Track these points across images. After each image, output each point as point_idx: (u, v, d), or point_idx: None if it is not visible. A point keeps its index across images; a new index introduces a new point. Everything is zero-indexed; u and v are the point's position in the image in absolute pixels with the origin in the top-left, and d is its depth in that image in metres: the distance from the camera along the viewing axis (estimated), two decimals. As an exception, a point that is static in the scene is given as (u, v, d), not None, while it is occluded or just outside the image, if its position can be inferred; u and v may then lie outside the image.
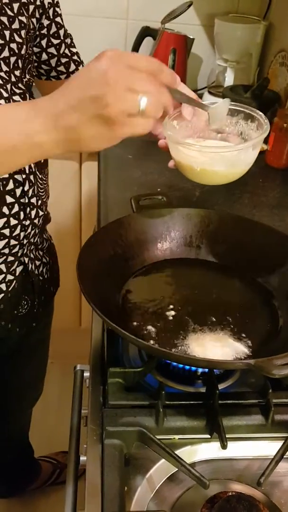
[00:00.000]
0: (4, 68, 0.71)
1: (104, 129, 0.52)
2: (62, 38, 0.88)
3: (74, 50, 0.92)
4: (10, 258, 0.81)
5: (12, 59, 0.73)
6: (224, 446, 0.59)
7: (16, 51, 0.73)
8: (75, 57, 0.92)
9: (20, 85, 0.75)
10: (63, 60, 0.90)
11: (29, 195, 0.78)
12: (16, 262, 0.82)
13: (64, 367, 1.55)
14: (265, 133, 0.71)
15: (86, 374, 0.78)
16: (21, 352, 1.03)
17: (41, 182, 0.83)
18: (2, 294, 0.82)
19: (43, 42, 0.86)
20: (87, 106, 0.51)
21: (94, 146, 0.54)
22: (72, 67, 0.92)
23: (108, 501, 0.54)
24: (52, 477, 1.48)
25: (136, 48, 1.62)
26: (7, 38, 0.71)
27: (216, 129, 0.77)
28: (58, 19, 0.86)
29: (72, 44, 0.92)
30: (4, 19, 0.71)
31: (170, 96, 0.57)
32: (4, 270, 0.81)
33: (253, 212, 1.08)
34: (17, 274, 0.84)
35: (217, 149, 0.74)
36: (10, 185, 0.74)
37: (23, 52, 0.75)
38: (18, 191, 0.76)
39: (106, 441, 0.60)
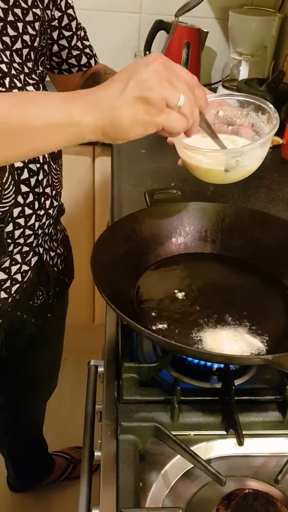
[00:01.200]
0: (17, 59, 0.71)
1: (143, 111, 0.54)
2: (74, 30, 0.87)
3: (86, 43, 0.91)
4: (25, 248, 0.81)
5: (25, 51, 0.73)
6: (240, 443, 0.58)
7: (29, 43, 0.73)
8: (87, 50, 0.91)
9: (33, 76, 0.74)
10: (74, 52, 0.89)
11: (44, 184, 0.78)
12: (31, 253, 0.83)
13: (78, 363, 1.56)
14: (274, 130, 0.68)
15: (100, 369, 0.78)
16: (36, 343, 1.03)
17: (55, 172, 0.83)
18: (18, 285, 0.83)
19: (54, 34, 0.85)
20: (132, 87, 0.53)
21: (129, 131, 0.55)
22: (84, 60, 0.91)
23: (123, 497, 0.53)
24: (66, 472, 1.49)
25: (149, 42, 1.61)
26: (20, 30, 0.71)
27: (226, 120, 0.76)
28: (70, 11, 0.85)
29: (85, 37, 0.91)
30: (18, 11, 0.71)
31: (198, 113, 0.60)
32: (20, 260, 0.81)
33: (268, 207, 1.07)
34: (32, 264, 0.84)
35: (221, 152, 0.71)
36: (25, 174, 0.74)
37: (36, 44, 0.74)
38: (33, 181, 0.76)
39: (121, 436, 0.60)
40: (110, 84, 0.55)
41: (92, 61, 0.93)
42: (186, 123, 0.57)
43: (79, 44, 0.89)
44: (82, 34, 0.90)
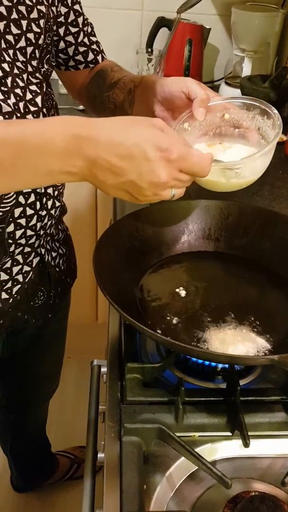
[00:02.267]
0: (21, 58, 0.70)
1: (127, 197, 0.59)
2: (80, 26, 0.85)
3: (93, 39, 0.89)
4: (27, 249, 0.80)
5: (29, 49, 0.71)
6: (246, 444, 0.57)
7: (33, 41, 0.72)
8: (94, 46, 0.89)
9: (37, 74, 0.73)
10: (81, 49, 0.88)
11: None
12: (33, 253, 0.82)
13: (81, 362, 1.55)
14: (276, 138, 0.67)
15: (103, 369, 0.77)
16: (38, 343, 1.03)
17: None
18: (19, 285, 0.82)
19: (61, 30, 0.84)
20: (125, 183, 0.56)
21: (110, 194, 0.60)
22: (91, 56, 0.89)
23: (127, 500, 0.52)
24: (69, 472, 1.48)
25: (151, 39, 1.60)
26: (24, 28, 0.70)
27: (233, 123, 0.74)
28: (76, 6, 0.84)
29: (92, 33, 0.89)
30: (23, 8, 0.69)
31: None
32: (21, 261, 0.80)
33: (272, 204, 1.05)
34: (33, 265, 0.83)
35: (218, 165, 0.68)
36: None
37: (40, 42, 0.73)
38: None
39: (124, 438, 0.59)
40: (114, 145, 0.54)
41: (99, 57, 0.91)
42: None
43: (86, 40, 0.87)
44: (89, 30, 0.88)
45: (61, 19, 0.83)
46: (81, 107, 1.48)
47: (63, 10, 0.82)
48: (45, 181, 0.59)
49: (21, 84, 0.69)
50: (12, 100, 0.67)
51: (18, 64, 0.70)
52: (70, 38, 0.86)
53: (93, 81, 0.90)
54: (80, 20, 0.85)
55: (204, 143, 0.74)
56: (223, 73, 1.71)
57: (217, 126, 0.74)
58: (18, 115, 0.68)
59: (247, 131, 0.74)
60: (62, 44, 0.86)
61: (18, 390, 1.15)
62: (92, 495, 0.61)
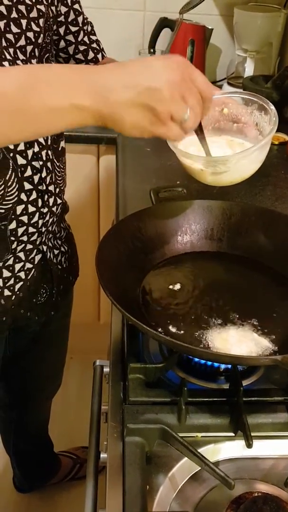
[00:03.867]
0: (21, 56, 0.70)
1: (146, 119, 0.54)
2: (80, 25, 0.86)
3: (93, 37, 0.90)
4: (29, 246, 0.80)
5: (29, 48, 0.72)
6: (249, 445, 0.57)
7: (33, 40, 0.72)
8: (94, 45, 0.90)
9: None
10: (81, 47, 0.88)
11: (47, 182, 0.77)
12: (35, 250, 0.82)
13: (83, 362, 1.55)
14: (271, 135, 0.67)
15: (106, 369, 0.77)
16: (41, 342, 1.03)
17: (58, 170, 0.82)
18: (21, 283, 0.82)
19: (61, 30, 0.85)
20: (143, 92, 0.53)
21: (126, 130, 0.56)
22: (91, 55, 0.90)
23: (130, 500, 0.52)
24: (72, 472, 1.48)
25: (154, 39, 1.60)
26: (24, 27, 0.70)
27: (231, 117, 0.75)
28: (76, 5, 0.85)
29: (92, 32, 0.90)
30: (22, 7, 0.70)
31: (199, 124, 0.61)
32: (23, 258, 0.81)
33: (275, 204, 1.05)
34: (35, 262, 0.83)
35: (219, 158, 0.71)
36: (28, 172, 0.74)
37: (40, 41, 0.73)
38: (36, 178, 0.75)
39: (127, 438, 0.59)
40: (122, 72, 0.54)
41: (100, 56, 0.92)
42: (183, 136, 0.58)
43: (86, 39, 0.88)
44: (89, 28, 0.89)
45: (61, 18, 0.83)
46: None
47: (63, 9, 0.83)
48: (55, 120, 0.55)
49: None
50: None
51: (19, 62, 0.70)
52: (70, 37, 0.86)
53: None
54: (80, 19, 0.86)
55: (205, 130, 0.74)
56: (226, 74, 1.71)
57: (216, 120, 0.75)
58: None
59: (245, 126, 0.74)
60: (62, 43, 0.87)
61: (20, 388, 1.15)
62: (94, 495, 0.60)
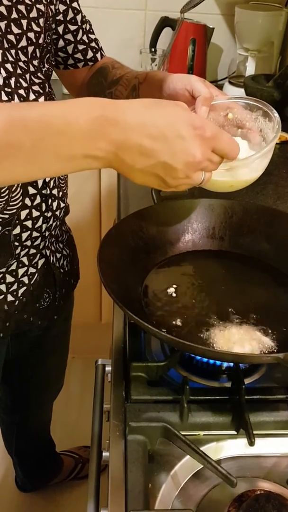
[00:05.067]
0: (23, 58, 0.70)
1: (155, 183, 0.55)
2: (79, 24, 0.85)
3: (92, 36, 0.89)
4: (32, 251, 0.80)
5: (30, 49, 0.71)
6: (251, 443, 0.57)
7: (34, 40, 0.72)
8: (93, 44, 0.89)
9: (39, 74, 0.73)
10: (80, 47, 0.88)
11: (51, 186, 0.77)
12: (38, 255, 0.82)
13: (85, 362, 1.55)
14: (273, 143, 0.66)
15: (108, 368, 0.77)
16: (43, 345, 1.03)
17: None
18: (25, 287, 0.82)
19: (60, 29, 0.84)
20: (158, 165, 0.52)
21: (136, 181, 0.56)
22: (90, 54, 0.89)
23: (132, 498, 0.52)
24: (74, 472, 1.48)
25: (155, 39, 1.60)
26: (25, 27, 0.70)
27: (236, 122, 0.74)
28: (74, 4, 0.84)
29: (91, 31, 0.89)
30: (22, 7, 0.70)
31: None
32: (26, 263, 0.80)
33: (277, 203, 1.05)
34: (39, 267, 0.83)
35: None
36: None
37: (40, 41, 0.73)
38: (40, 182, 0.75)
39: (129, 436, 0.59)
40: (145, 129, 0.51)
41: (98, 55, 0.91)
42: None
43: (84, 38, 0.87)
44: (88, 27, 0.88)
45: (60, 17, 0.82)
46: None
47: (62, 8, 0.82)
48: (67, 168, 0.54)
49: (24, 84, 0.69)
50: (16, 100, 0.67)
51: (21, 64, 0.70)
52: (69, 36, 0.86)
53: (94, 79, 0.90)
54: (78, 18, 0.85)
55: None
56: (227, 73, 1.71)
57: (220, 125, 0.74)
58: None
59: (249, 131, 0.73)
60: (61, 43, 0.86)
61: (22, 391, 1.15)
62: (96, 494, 0.60)
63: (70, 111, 0.51)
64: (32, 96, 0.70)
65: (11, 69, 0.67)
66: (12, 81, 0.67)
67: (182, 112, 0.54)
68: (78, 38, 0.87)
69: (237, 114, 0.73)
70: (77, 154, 0.51)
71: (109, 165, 0.53)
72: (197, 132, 0.53)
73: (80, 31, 0.86)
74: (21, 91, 0.69)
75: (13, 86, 0.67)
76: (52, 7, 0.78)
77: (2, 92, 0.65)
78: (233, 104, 0.74)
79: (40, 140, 0.50)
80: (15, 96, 0.67)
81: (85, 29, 0.87)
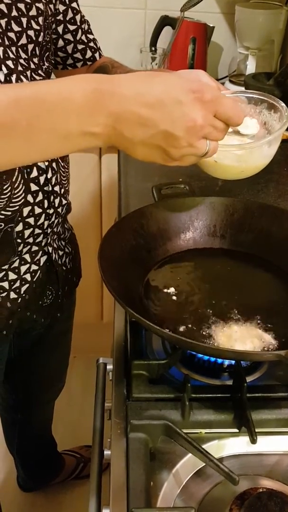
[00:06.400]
0: (23, 55, 0.70)
1: (158, 157, 0.53)
2: (78, 24, 0.86)
3: (91, 36, 0.90)
4: (35, 248, 0.80)
5: (30, 46, 0.72)
6: (253, 441, 0.57)
7: (34, 38, 0.72)
8: (91, 44, 0.90)
9: (39, 72, 0.74)
10: (80, 46, 0.88)
11: (52, 183, 0.77)
12: (40, 252, 0.82)
13: (86, 361, 1.55)
14: (283, 128, 0.67)
15: (109, 367, 0.77)
16: (45, 342, 1.03)
17: (63, 170, 0.82)
18: (27, 285, 0.82)
19: (60, 29, 0.84)
20: (158, 135, 0.50)
21: (138, 158, 0.54)
22: (88, 53, 0.90)
23: (134, 496, 0.52)
24: (75, 471, 1.48)
25: (155, 38, 1.59)
26: (24, 25, 0.70)
27: None
28: (74, 4, 0.84)
29: (89, 30, 0.90)
30: (22, 5, 0.70)
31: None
32: (29, 260, 0.80)
33: (278, 201, 1.05)
34: (41, 264, 0.83)
35: (231, 147, 0.70)
36: (34, 173, 0.73)
37: (40, 39, 0.74)
38: (42, 179, 0.75)
39: (130, 434, 0.58)
40: (142, 97, 0.49)
41: (97, 55, 0.92)
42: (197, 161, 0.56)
43: (83, 38, 0.88)
44: (86, 27, 0.89)
45: (60, 17, 0.83)
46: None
47: (61, 7, 0.83)
48: (66, 147, 0.52)
49: (25, 81, 0.70)
50: None
51: (21, 61, 0.70)
52: (68, 36, 0.86)
53: None
54: (77, 17, 0.86)
55: None
56: (227, 71, 1.70)
57: None
58: None
59: None
60: (61, 42, 0.87)
61: (24, 390, 1.15)
62: (98, 492, 0.60)
63: (65, 87, 0.50)
64: None
65: (12, 66, 0.67)
66: (13, 78, 0.67)
67: (178, 78, 0.52)
68: (78, 38, 0.87)
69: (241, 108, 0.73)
70: (74, 131, 0.49)
71: (108, 141, 0.51)
72: (196, 95, 0.50)
73: (79, 31, 0.87)
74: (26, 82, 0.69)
75: (14, 83, 0.67)
76: (51, 6, 0.79)
77: None
78: (237, 99, 0.74)
79: (35, 117, 0.48)
80: None
81: (84, 29, 0.88)
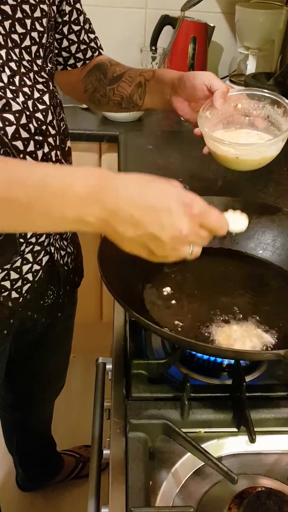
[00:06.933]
0: (26, 57, 0.70)
1: (143, 252, 0.56)
2: (82, 24, 0.87)
3: (92, 36, 0.91)
4: (37, 248, 0.80)
5: (34, 48, 0.72)
6: (252, 440, 0.57)
7: (37, 40, 0.72)
8: (92, 44, 0.91)
9: (43, 73, 0.74)
10: (82, 46, 0.89)
11: None
12: (43, 252, 0.82)
13: (86, 361, 1.55)
14: None
15: (109, 366, 0.77)
16: (46, 342, 1.03)
17: None
18: (29, 284, 0.82)
19: (65, 29, 0.85)
20: (146, 236, 0.54)
21: (126, 249, 0.57)
22: (89, 54, 0.91)
23: (133, 496, 0.52)
24: (75, 471, 1.48)
25: (155, 37, 1.59)
26: (28, 27, 0.70)
27: (244, 112, 0.82)
28: (78, 5, 0.85)
29: (91, 30, 0.90)
30: (26, 7, 0.70)
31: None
32: (31, 259, 0.80)
33: (277, 201, 1.05)
34: (43, 264, 0.83)
35: (249, 145, 0.79)
36: None
37: (44, 41, 0.74)
38: None
39: (129, 434, 0.58)
40: (136, 202, 0.53)
41: (96, 54, 0.93)
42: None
43: (86, 38, 0.89)
44: (88, 27, 0.89)
45: (66, 18, 0.84)
46: (84, 106, 1.48)
47: (67, 8, 0.83)
48: (57, 227, 0.58)
49: (28, 82, 0.70)
50: (21, 98, 0.68)
51: (24, 63, 0.70)
52: (72, 36, 0.87)
53: (91, 75, 0.92)
54: (81, 18, 0.87)
55: (221, 129, 0.83)
56: (228, 71, 1.70)
57: (230, 115, 0.82)
58: (27, 113, 0.68)
59: (256, 119, 0.81)
60: (65, 43, 0.87)
61: (24, 389, 1.14)
62: (97, 492, 0.60)
63: (70, 175, 0.54)
64: (36, 94, 0.71)
65: (15, 68, 0.68)
66: (17, 79, 0.68)
67: (173, 188, 0.56)
68: (81, 38, 0.88)
69: (245, 104, 0.81)
70: (69, 217, 0.53)
71: (99, 231, 0.55)
72: (185, 209, 0.55)
73: (83, 31, 0.88)
74: (26, 89, 0.69)
75: (17, 84, 0.68)
76: (54, 7, 0.79)
77: (7, 90, 0.66)
78: (242, 96, 0.81)
79: (36, 198, 0.52)
80: (20, 94, 0.68)
81: (86, 29, 0.89)
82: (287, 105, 0.77)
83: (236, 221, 0.69)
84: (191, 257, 0.58)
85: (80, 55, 0.90)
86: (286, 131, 0.74)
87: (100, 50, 0.93)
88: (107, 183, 0.53)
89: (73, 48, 0.88)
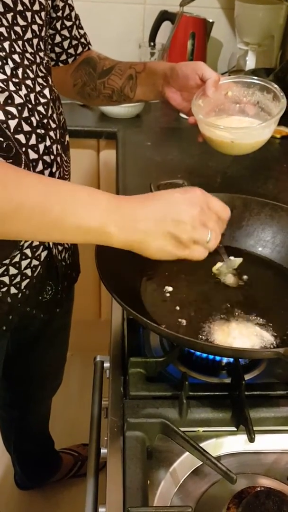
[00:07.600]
0: (29, 49, 0.71)
1: (171, 245, 0.60)
2: (73, 20, 0.89)
3: (81, 31, 0.93)
4: (36, 243, 0.80)
5: (35, 41, 0.72)
6: (251, 439, 0.56)
7: (38, 32, 0.73)
8: (82, 40, 0.93)
9: (41, 67, 0.74)
10: (74, 42, 0.91)
11: (56, 177, 0.77)
12: (41, 247, 0.82)
13: (84, 360, 1.54)
14: (284, 105, 0.77)
15: (106, 364, 0.76)
16: (43, 338, 1.03)
17: (66, 165, 0.82)
18: (28, 280, 0.81)
19: (58, 24, 0.86)
20: (168, 223, 0.58)
21: (152, 255, 0.61)
22: (79, 49, 0.93)
23: (130, 495, 0.51)
24: (73, 470, 1.47)
25: (154, 33, 1.58)
26: (29, 20, 0.71)
27: (234, 99, 0.84)
28: (70, 0, 0.87)
29: (80, 25, 0.93)
30: (26, 0, 0.70)
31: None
32: (30, 255, 0.80)
33: (278, 198, 1.04)
34: (42, 259, 0.83)
35: (244, 129, 0.82)
36: (39, 167, 0.73)
37: (43, 34, 0.74)
38: (47, 173, 0.75)
39: (127, 433, 0.58)
40: (148, 204, 0.59)
41: (86, 49, 0.94)
42: (206, 254, 0.63)
43: (77, 33, 0.92)
44: (78, 22, 0.92)
45: (59, 13, 0.86)
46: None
47: (60, 4, 0.86)
48: (83, 237, 0.60)
49: (31, 75, 0.70)
50: (23, 91, 0.68)
51: (28, 55, 0.71)
52: (65, 32, 0.89)
53: (80, 70, 0.93)
54: (73, 14, 0.89)
55: (213, 117, 0.85)
56: (227, 67, 1.70)
57: (221, 103, 0.84)
58: (30, 106, 0.68)
59: (246, 105, 0.83)
60: (58, 38, 0.89)
61: (22, 387, 1.14)
62: (95, 491, 0.60)
63: (92, 193, 0.59)
64: (38, 88, 0.71)
65: (18, 60, 0.68)
66: (20, 71, 0.68)
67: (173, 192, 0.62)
68: (73, 33, 0.91)
69: (235, 91, 0.84)
70: (94, 226, 0.57)
71: (124, 241, 0.59)
72: (190, 193, 0.61)
73: (74, 26, 0.90)
74: (28, 82, 0.69)
75: (20, 76, 0.68)
76: (50, 2, 0.79)
77: (10, 82, 0.66)
78: (232, 84, 0.84)
79: (66, 203, 0.57)
80: (23, 87, 0.67)
81: (77, 25, 0.91)
82: (277, 90, 0.79)
83: (231, 261, 0.75)
84: (210, 244, 0.62)
85: (71, 50, 0.91)
86: (278, 114, 0.77)
87: (89, 45, 0.94)
88: (116, 200, 0.59)
89: (66, 44, 0.90)
